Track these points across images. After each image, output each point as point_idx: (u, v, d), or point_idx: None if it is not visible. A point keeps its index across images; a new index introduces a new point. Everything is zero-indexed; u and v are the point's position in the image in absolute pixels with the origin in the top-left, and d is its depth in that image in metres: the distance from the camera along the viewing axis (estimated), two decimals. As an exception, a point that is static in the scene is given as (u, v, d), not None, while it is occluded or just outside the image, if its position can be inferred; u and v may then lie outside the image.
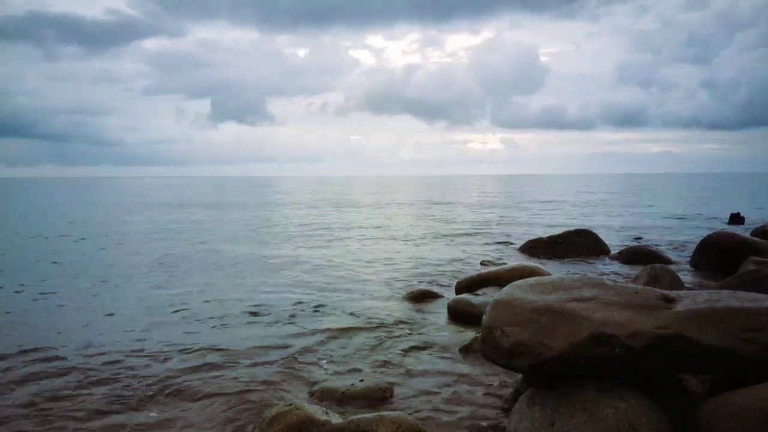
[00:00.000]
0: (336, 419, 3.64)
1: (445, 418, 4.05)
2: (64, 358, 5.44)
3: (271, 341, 6.00)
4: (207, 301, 7.95)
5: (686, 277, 9.05)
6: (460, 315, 6.65)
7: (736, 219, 18.77)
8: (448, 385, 4.68)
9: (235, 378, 4.91)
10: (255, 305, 7.62)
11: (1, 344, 5.89)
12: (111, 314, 7.25)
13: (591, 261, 11.31)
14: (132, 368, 5.19)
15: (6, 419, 4.11)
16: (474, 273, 8.30)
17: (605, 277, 7.73)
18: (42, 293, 8.53)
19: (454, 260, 11.54)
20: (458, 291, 7.60)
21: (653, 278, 7.03)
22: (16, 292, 8.68)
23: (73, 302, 7.96)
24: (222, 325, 6.69)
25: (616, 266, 10.69)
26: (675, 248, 12.96)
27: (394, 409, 4.11)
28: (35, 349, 5.70)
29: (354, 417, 3.66)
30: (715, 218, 20.96)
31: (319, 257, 12.13)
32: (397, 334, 6.21)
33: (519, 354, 3.32)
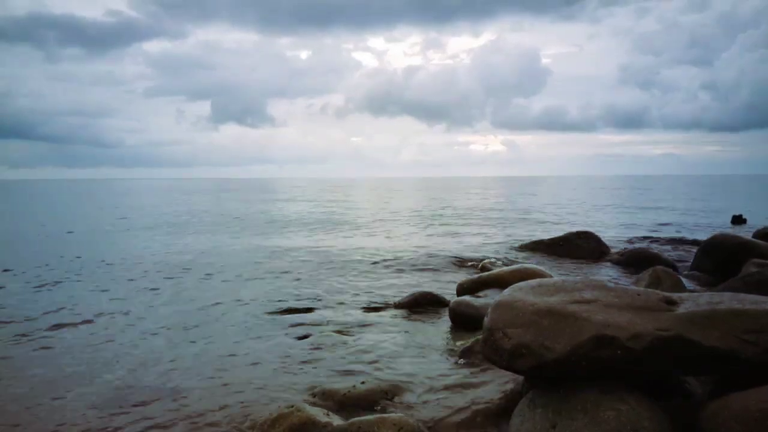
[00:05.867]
0: (337, 421, 3.64)
1: (446, 419, 4.04)
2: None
3: (272, 342, 6.01)
4: (211, 303, 7.96)
5: (688, 279, 9.03)
6: (461, 317, 6.63)
7: (738, 221, 18.76)
8: (449, 387, 4.67)
9: (236, 379, 4.92)
10: (256, 307, 7.62)
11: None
12: (127, 312, 7.27)
13: (592, 263, 11.30)
14: (134, 366, 5.20)
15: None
16: (475, 275, 8.29)
17: (607, 279, 7.72)
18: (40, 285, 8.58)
19: (455, 262, 11.54)
20: (459, 293, 7.58)
21: (655, 280, 7.03)
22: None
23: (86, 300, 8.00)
24: (222, 325, 6.69)
25: (617, 268, 10.68)
26: (677, 250, 12.94)
27: (395, 411, 4.11)
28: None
29: (355, 419, 3.66)
30: (717, 220, 20.93)
31: (322, 256, 12.14)
32: (397, 335, 6.21)
33: (520, 356, 3.32)
